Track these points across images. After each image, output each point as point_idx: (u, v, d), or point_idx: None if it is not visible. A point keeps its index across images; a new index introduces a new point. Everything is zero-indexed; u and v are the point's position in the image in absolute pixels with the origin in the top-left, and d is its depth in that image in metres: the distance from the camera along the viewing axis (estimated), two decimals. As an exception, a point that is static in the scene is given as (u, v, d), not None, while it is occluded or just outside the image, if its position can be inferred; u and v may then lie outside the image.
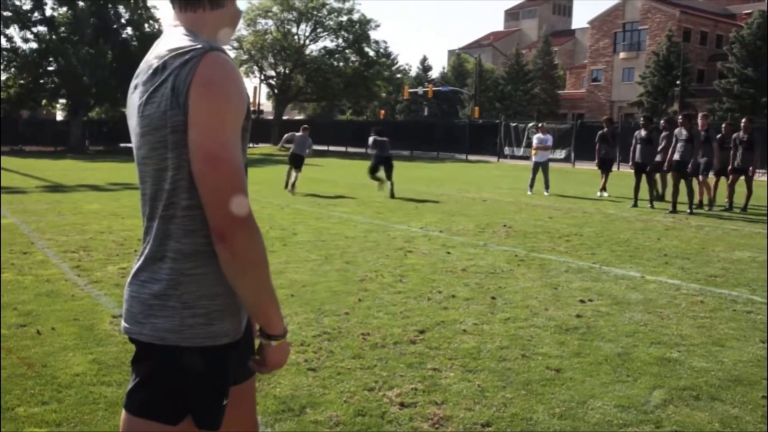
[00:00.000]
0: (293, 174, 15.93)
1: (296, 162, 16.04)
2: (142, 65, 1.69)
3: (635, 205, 13.98)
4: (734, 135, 14.54)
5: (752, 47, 48.50)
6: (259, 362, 1.81)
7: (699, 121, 14.05)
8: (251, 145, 50.57)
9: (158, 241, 1.67)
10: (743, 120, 14.84)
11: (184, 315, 1.64)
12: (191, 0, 1.71)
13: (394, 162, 15.64)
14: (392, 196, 14.91)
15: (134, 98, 1.69)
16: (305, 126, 17.14)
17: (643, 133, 14.48)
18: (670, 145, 13.35)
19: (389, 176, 15.31)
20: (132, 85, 1.71)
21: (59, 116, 55.50)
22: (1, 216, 10.77)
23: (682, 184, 12.97)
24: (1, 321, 5.00)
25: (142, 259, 1.71)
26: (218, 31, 1.75)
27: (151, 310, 1.67)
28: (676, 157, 13.04)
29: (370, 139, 15.69)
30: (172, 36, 1.68)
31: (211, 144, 1.55)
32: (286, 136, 16.96)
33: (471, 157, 38.21)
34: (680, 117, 13.56)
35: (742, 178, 14.15)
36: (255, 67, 53.51)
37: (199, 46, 1.59)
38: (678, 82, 51.60)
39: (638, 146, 14.38)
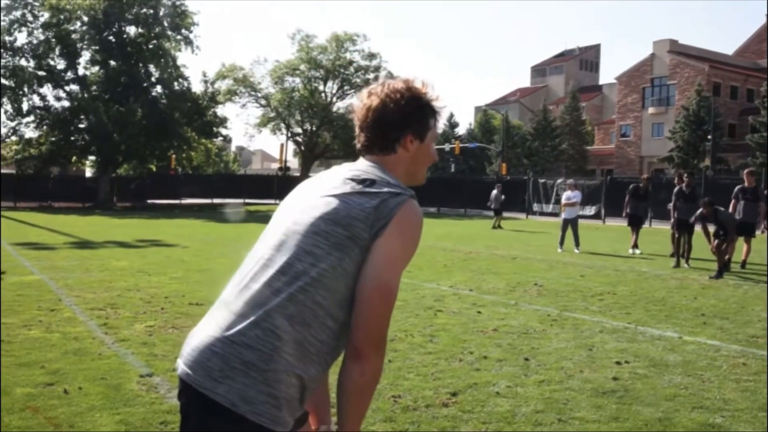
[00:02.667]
0: None
1: None
2: (332, 174, 1.93)
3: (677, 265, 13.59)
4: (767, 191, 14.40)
5: (783, 101, 48.28)
6: None
7: (745, 178, 13.96)
8: (278, 201, 51.03)
9: (261, 307, 1.72)
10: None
11: (262, 390, 1.67)
12: (386, 146, 1.93)
13: None
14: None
15: (323, 180, 1.92)
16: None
17: (685, 189, 14.29)
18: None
19: None
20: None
21: (88, 173, 56.44)
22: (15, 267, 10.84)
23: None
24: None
25: (231, 314, 1.74)
26: (408, 171, 1.97)
27: (233, 372, 1.69)
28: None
29: None
30: (372, 166, 1.90)
31: (389, 276, 1.75)
32: None
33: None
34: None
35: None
36: (282, 124, 54.18)
37: (408, 189, 1.83)
38: (709, 137, 51.35)
39: (679, 203, 14.20)
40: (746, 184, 13.79)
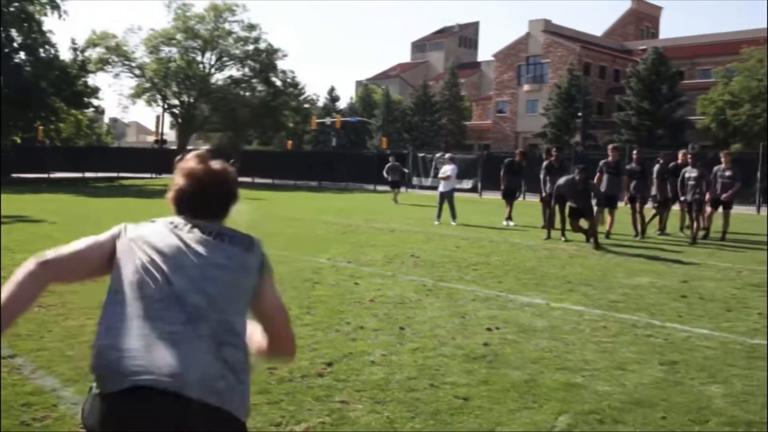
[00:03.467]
0: None
1: None
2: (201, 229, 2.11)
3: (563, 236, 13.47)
4: (627, 166, 15.27)
5: (647, 81, 51.04)
6: None
7: (610, 153, 14.64)
8: (155, 175, 49.48)
9: (231, 333, 1.99)
10: (634, 151, 15.55)
11: (246, 395, 2.01)
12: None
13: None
14: None
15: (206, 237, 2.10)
16: None
17: (554, 163, 14.96)
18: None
19: None
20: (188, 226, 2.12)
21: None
22: None
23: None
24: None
25: (208, 339, 1.94)
26: None
27: (239, 385, 1.97)
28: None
29: None
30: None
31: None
32: None
33: (379, 188, 38.41)
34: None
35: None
36: (158, 96, 52.41)
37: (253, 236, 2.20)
38: (579, 114, 53.63)
39: (549, 177, 14.79)
40: (610, 158, 14.51)
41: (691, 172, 14.13)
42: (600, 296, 7.80)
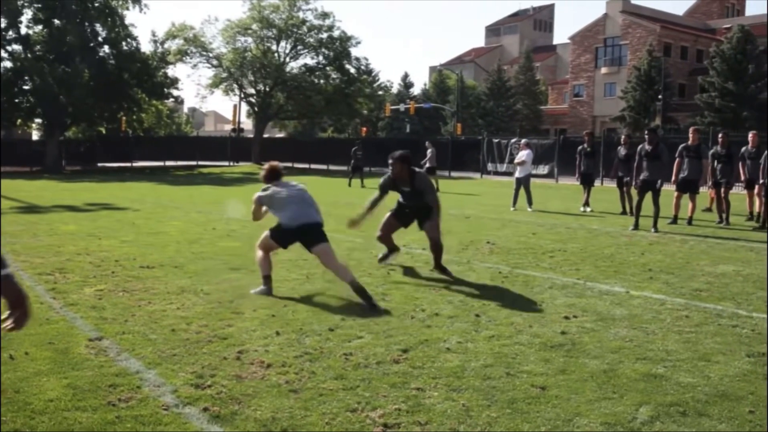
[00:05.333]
0: None
1: None
2: None
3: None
4: (711, 149, 14.69)
5: (732, 61, 49.11)
6: None
7: (690, 136, 13.94)
8: (232, 163, 50.41)
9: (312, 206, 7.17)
10: (720, 134, 14.94)
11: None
12: None
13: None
14: None
15: None
16: None
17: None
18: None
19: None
20: None
21: (35, 136, 54.94)
22: (-22, 238, 10.60)
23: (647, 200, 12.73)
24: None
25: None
26: None
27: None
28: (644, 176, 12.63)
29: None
30: None
31: None
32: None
33: (454, 174, 38.24)
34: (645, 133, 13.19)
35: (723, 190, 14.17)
36: (235, 85, 53.30)
37: None
38: (660, 97, 52.07)
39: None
40: (690, 141, 13.91)
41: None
42: (682, 284, 7.57)
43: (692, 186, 13.78)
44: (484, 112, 66.58)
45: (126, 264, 8.47)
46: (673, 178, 13.87)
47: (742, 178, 14.59)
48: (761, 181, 13.59)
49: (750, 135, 14.52)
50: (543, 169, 33.87)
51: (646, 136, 12.73)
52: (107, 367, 4.53)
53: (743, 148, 14.55)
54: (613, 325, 5.74)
